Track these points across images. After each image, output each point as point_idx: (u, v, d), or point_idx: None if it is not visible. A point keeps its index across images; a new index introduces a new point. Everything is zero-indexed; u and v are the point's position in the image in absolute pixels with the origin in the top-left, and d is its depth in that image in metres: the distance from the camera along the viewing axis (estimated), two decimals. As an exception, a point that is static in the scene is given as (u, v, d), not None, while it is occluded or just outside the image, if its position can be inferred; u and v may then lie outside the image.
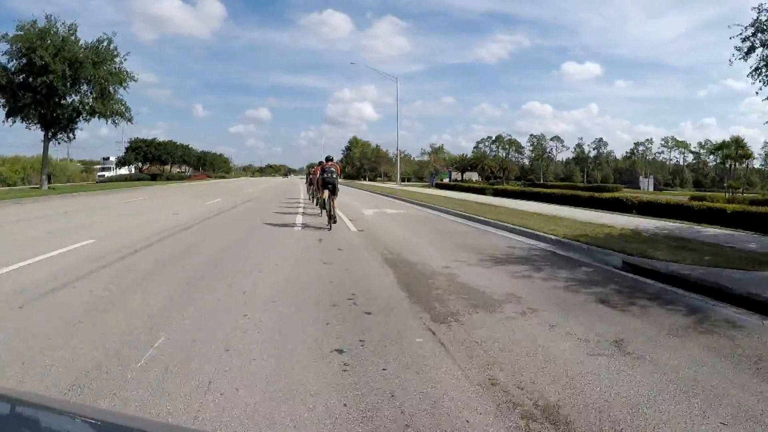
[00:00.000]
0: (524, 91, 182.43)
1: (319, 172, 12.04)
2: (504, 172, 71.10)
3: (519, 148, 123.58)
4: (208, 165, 71.17)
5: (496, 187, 37.13)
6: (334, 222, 10.41)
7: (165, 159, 47.63)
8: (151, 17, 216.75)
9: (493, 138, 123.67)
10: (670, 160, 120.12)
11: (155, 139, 47.38)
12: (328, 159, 11.42)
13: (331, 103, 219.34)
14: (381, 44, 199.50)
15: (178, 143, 55.18)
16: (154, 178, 43.59)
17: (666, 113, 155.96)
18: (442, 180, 64.98)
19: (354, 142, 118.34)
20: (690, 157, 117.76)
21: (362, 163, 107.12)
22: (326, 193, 10.72)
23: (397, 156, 44.00)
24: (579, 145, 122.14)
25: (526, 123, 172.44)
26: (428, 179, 71.10)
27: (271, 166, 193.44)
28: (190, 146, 61.42)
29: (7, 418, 0.86)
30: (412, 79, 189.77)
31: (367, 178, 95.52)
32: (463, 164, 72.89)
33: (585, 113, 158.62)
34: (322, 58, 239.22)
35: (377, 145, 61.05)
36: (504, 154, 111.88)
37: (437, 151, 43.90)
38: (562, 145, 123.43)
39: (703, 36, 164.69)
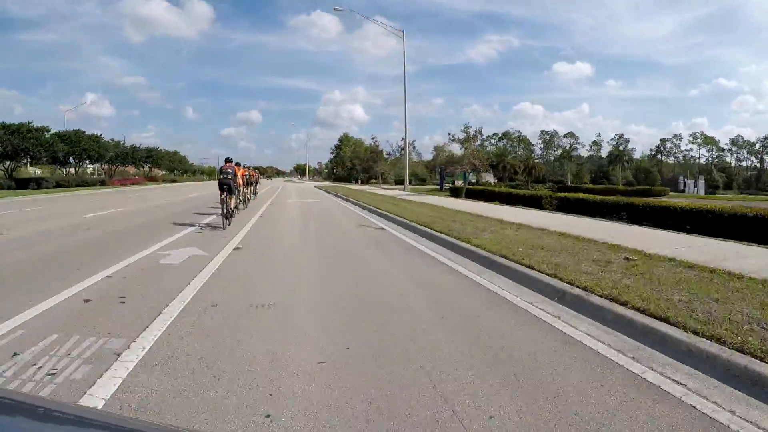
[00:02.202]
0: (516, 92, 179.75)
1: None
2: (530, 173, 56.42)
3: (529, 145, 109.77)
4: (137, 163, 52.24)
5: (561, 195, 22.46)
6: (230, 218, 10.82)
7: (38, 154, 30.79)
8: (138, 19, 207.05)
9: (500, 135, 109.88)
10: (698, 158, 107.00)
11: (26, 123, 29.28)
12: (227, 160, 11.54)
13: (322, 105, 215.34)
14: (371, 45, 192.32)
15: (86, 133, 38.27)
16: (22, 186, 27.18)
17: (657, 113, 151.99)
18: (453, 183, 50.14)
19: (345, 140, 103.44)
20: (710, 155, 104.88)
21: (354, 164, 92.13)
22: (224, 193, 10.72)
23: (405, 148, 29.12)
24: (596, 143, 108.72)
25: (517, 124, 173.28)
26: (440, 181, 55.70)
27: (256, 168, 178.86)
28: (101, 137, 42.44)
29: (7, 418, 0.85)
30: (403, 80, 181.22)
31: (360, 181, 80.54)
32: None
33: (577, 113, 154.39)
34: (312, 60, 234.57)
35: (374, 139, 46.08)
36: (510, 152, 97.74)
37: (473, 137, 27.31)
38: (577, 142, 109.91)
39: (694, 35, 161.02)
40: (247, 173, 17.83)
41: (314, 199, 23.52)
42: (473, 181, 60.00)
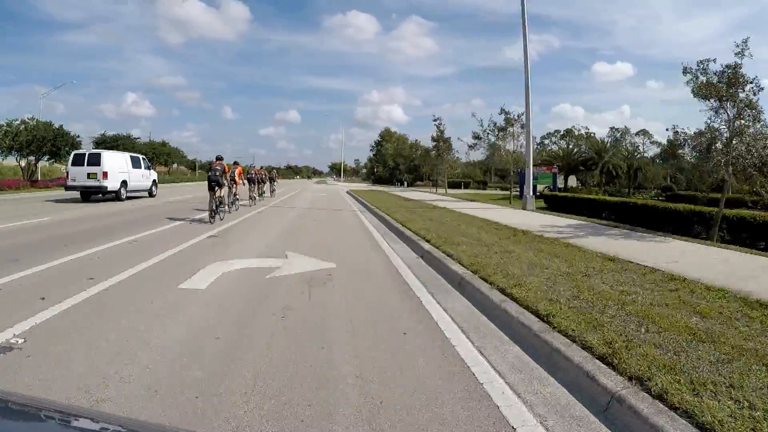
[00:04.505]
0: (555, 93, 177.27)
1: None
2: (634, 176, 43.36)
3: (597, 144, 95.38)
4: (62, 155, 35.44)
5: None
6: (217, 217, 11.21)
7: None
8: (176, 20, 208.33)
9: (562, 132, 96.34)
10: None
11: None
12: (218, 158, 12.08)
13: (359, 106, 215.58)
14: (408, 45, 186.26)
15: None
16: None
17: (699, 115, 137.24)
18: (536, 187, 37.68)
19: (386, 136, 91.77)
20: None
21: (397, 163, 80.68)
22: (213, 190, 11.22)
23: (527, 132, 17.37)
24: (670, 141, 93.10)
25: (557, 125, 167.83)
26: (519, 186, 42.71)
27: (290, 167, 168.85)
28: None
29: (7, 418, 0.85)
30: (442, 81, 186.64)
31: (405, 183, 68.80)
32: (570, 163, 45.55)
33: (617, 115, 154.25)
34: (349, 61, 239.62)
35: (436, 121, 32.65)
36: (574, 150, 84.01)
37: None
38: (650, 141, 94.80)
39: (736, 36, 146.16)
40: (252, 172, 18.39)
41: (318, 254, 6.98)
42: (560, 186, 47.40)
